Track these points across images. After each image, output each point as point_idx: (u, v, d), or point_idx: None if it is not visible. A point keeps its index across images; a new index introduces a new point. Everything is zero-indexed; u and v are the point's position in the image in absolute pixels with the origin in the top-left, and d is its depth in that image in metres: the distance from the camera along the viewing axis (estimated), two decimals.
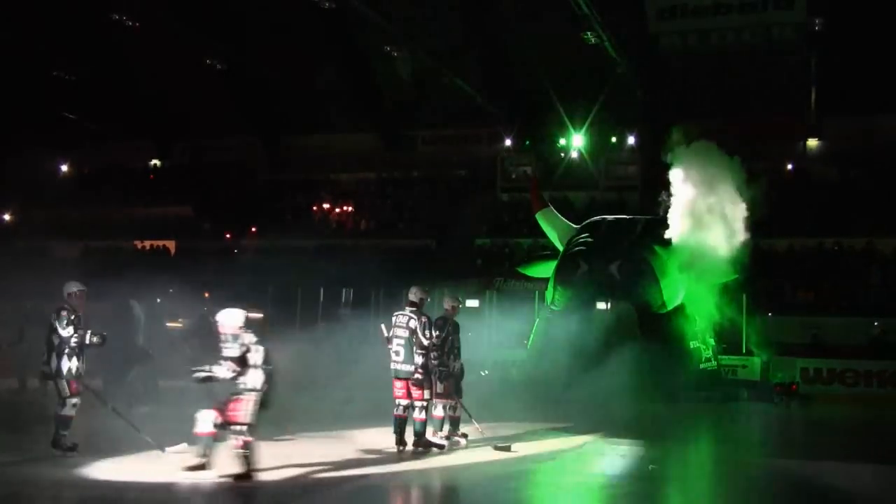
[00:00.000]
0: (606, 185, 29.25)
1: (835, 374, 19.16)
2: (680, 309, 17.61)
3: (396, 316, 10.16)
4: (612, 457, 10.89)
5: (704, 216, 16.82)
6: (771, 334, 20.35)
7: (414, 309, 10.12)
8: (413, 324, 9.98)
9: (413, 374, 9.94)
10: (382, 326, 10.24)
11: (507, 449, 10.27)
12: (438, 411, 10.69)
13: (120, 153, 36.27)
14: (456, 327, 10.87)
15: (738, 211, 16.79)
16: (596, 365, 15.98)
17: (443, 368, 10.51)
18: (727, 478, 10.22)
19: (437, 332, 10.51)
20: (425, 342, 9.98)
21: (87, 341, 9.43)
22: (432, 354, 10.34)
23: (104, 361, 13.55)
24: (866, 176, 26.11)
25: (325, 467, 9.16)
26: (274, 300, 23.89)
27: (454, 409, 10.82)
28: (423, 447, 10.08)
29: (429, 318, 10.17)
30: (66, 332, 9.33)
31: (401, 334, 9.99)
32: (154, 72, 31.92)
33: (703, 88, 27.06)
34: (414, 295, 10.22)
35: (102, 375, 13.48)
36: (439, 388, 10.62)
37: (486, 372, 17.84)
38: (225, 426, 7.99)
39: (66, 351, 9.32)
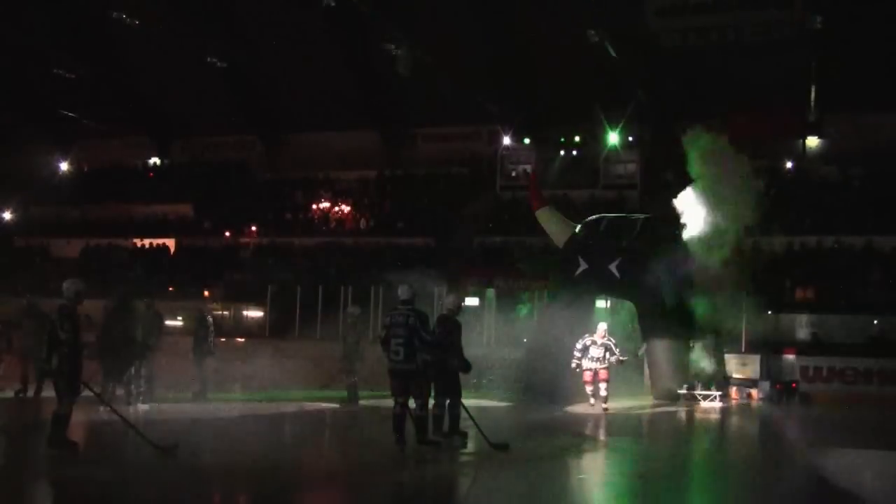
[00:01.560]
0: (606, 184, 29.24)
1: (835, 373, 19.17)
2: (679, 307, 17.63)
3: (392, 315, 10.13)
4: (611, 455, 10.90)
5: (713, 207, 16.99)
6: (771, 332, 20.39)
7: (410, 307, 10.11)
8: (412, 321, 9.95)
9: (414, 371, 9.92)
10: (378, 327, 10.25)
11: (504, 448, 10.27)
12: (435, 409, 10.70)
13: (120, 151, 36.28)
14: (457, 326, 10.86)
15: (744, 207, 16.92)
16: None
17: (443, 366, 10.52)
18: (727, 477, 10.23)
19: (440, 330, 10.55)
20: (427, 339, 9.96)
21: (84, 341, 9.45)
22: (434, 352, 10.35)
23: (104, 360, 13.60)
24: (866, 174, 26.13)
25: (326, 466, 9.17)
26: (273, 299, 23.91)
27: (454, 406, 10.81)
28: (424, 445, 10.08)
29: (426, 315, 10.15)
30: (66, 331, 9.33)
31: (400, 333, 9.95)
32: (154, 70, 31.91)
33: (703, 86, 27.04)
34: (406, 293, 10.21)
35: (102, 374, 13.51)
36: (440, 385, 10.63)
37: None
38: None
39: (66, 350, 9.31)
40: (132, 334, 13.95)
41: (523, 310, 21.39)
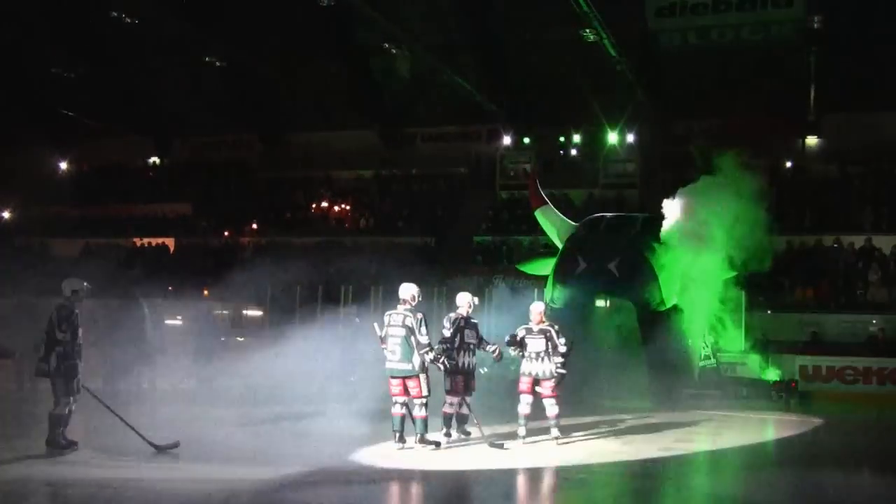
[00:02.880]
0: (605, 183, 29.26)
1: (834, 372, 19.20)
2: (679, 306, 17.65)
3: (390, 315, 10.14)
4: (608, 455, 10.89)
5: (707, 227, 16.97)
6: (770, 331, 20.42)
7: (408, 307, 10.12)
8: (410, 321, 9.96)
9: (412, 371, 9.93)
10: (375, 325, 10.25)
11: (502, 447, 10.27)
12: (445, 408, 10.72)
13: (119, 151, 36.26)
14: (469, 323, 10.87)
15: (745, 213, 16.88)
16: (595, 363, 16.06)
17: (452, 362, 10.52)
18: (727, 477, 10.23)
19: (450, 329, 10.60)
20: (424, 340, 9.98)
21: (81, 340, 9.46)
22: (439, 348, 10.36)
23: (108, 359, 13.60)
24: (865, 173, 26.18)
25: (325, 465, 9.17)
26: (273, 298, 23.90)
27: (460, 405, 10.81)
28: (425, 444, 10.09)
29: (424, 315, 10.17)
30: (64, 330, 9.32)
31: (397, 333, 9.97)
32: (153, 69, 31.88)
33: (702, 86, 27.07)
34: (406, 293, 10.21)
35: (104, 373, 13.52)
36: (448, 384, 10.65)
37: (486, 369, 17.69)
38: None
39: (64, 350, 9.31)
40: (136, 334, 13.98)
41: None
